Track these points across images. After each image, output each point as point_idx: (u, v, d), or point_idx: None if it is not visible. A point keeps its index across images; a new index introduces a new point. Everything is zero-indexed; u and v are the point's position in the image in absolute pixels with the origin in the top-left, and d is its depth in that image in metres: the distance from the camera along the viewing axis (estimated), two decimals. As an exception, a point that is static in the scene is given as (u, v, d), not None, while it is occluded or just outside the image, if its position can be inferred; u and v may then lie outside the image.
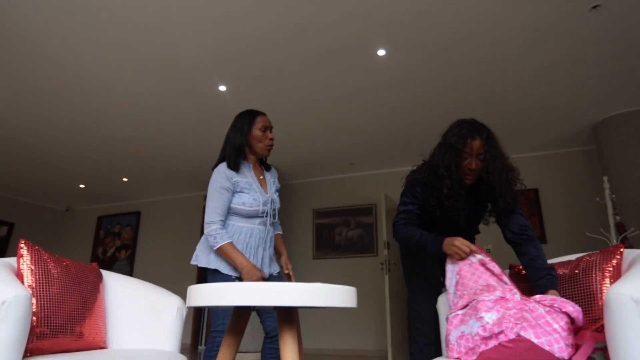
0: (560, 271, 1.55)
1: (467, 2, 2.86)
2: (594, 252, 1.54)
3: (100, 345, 1.64)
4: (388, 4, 2.88)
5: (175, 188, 7.18)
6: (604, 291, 1.37)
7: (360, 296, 5.42)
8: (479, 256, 1.64)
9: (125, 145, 5.29)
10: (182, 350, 1.94)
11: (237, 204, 1.88)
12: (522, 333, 1.31)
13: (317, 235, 6.38)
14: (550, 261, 1.70)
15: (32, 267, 1.51)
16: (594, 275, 1.43)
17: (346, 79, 3.82)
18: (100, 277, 1.80)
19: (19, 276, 1.48)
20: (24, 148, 5.35)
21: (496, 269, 1.59)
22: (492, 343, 1.33)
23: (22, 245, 1.56)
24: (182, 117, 4.55)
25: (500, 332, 1.33)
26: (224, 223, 1.87)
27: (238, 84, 3.90)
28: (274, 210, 2.00)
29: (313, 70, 3.68)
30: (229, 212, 1.90)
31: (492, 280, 1.54)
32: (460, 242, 1.66)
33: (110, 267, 7.59)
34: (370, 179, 6.34)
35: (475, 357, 1.35)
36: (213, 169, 1.95)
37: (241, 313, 1.46)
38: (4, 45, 3.28)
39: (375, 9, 2.92)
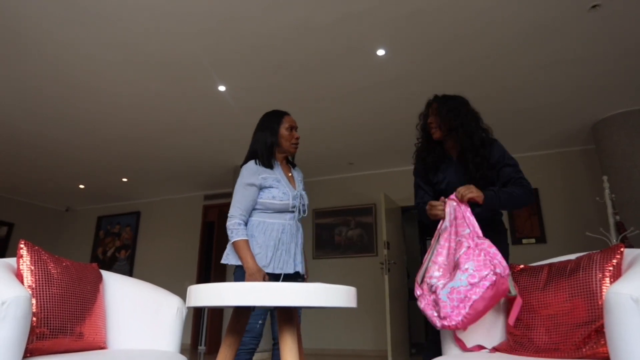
0: (560, 270, 1.55)
1: (467, 2, 2.87)
2: (594, 251, 1.54)
3: (100, 346, 1.64)
4: (388, 4, 2.89)
5: (175, 188, 7.18)
6: (604, 290, 1.37)
7: (360, 296, 5.42)
8: (446, 222, 1.74)
9: (125, 145, 5.29)
10: (182, 351, 1.94)
11: (267, 198, 1.93)
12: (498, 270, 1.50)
13: (317, 235, 6.38)
14: (550, 261, 1.70)
15: (32, 268, 1.51)
16: (593, 275, 1.43)
17: (346, 79, 3.82)
18: (100, 278, 1.80)
19: (19, 277, 1.48)
20: (24, 148, 5.35)
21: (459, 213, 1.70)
22: (479, 291, 1.48)
23: (22, 245, 1.56)
24: (182, 117, 4.55)
25: (483, 278, 1.48)
26: (245, 219, 1.91)
27: (238, 84, 3.90)
28: (303, 205, 2.05)
29: (313, 70, 3.68)
30: (261, 208, 1.94)
31: (455, 235, 1.68)
32: (430, 205, 1.82)
33: (110, 268, 7.59)
34: (370, 178, 6.35)
35: (467, 309, 1.47)
36: (241, 166, 2.02)
37: (241, 313, 1.46)
38: (4, 46, 3.28)
39: (375, 9, 2.93)
